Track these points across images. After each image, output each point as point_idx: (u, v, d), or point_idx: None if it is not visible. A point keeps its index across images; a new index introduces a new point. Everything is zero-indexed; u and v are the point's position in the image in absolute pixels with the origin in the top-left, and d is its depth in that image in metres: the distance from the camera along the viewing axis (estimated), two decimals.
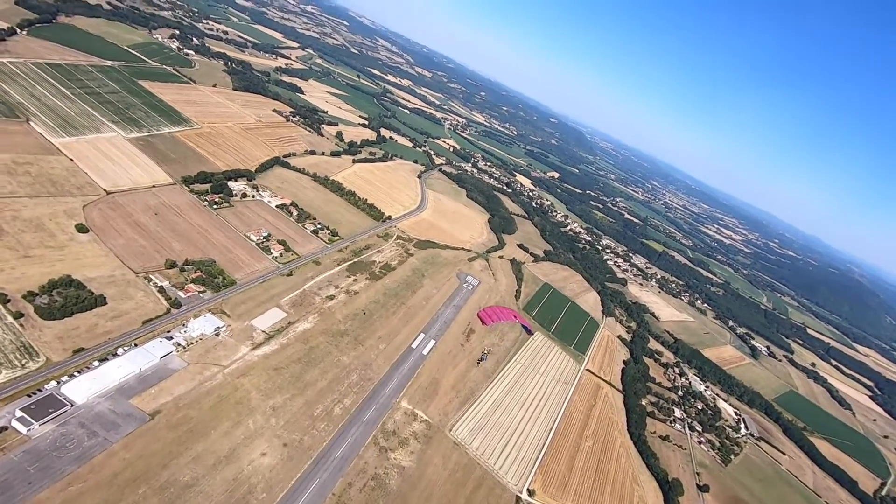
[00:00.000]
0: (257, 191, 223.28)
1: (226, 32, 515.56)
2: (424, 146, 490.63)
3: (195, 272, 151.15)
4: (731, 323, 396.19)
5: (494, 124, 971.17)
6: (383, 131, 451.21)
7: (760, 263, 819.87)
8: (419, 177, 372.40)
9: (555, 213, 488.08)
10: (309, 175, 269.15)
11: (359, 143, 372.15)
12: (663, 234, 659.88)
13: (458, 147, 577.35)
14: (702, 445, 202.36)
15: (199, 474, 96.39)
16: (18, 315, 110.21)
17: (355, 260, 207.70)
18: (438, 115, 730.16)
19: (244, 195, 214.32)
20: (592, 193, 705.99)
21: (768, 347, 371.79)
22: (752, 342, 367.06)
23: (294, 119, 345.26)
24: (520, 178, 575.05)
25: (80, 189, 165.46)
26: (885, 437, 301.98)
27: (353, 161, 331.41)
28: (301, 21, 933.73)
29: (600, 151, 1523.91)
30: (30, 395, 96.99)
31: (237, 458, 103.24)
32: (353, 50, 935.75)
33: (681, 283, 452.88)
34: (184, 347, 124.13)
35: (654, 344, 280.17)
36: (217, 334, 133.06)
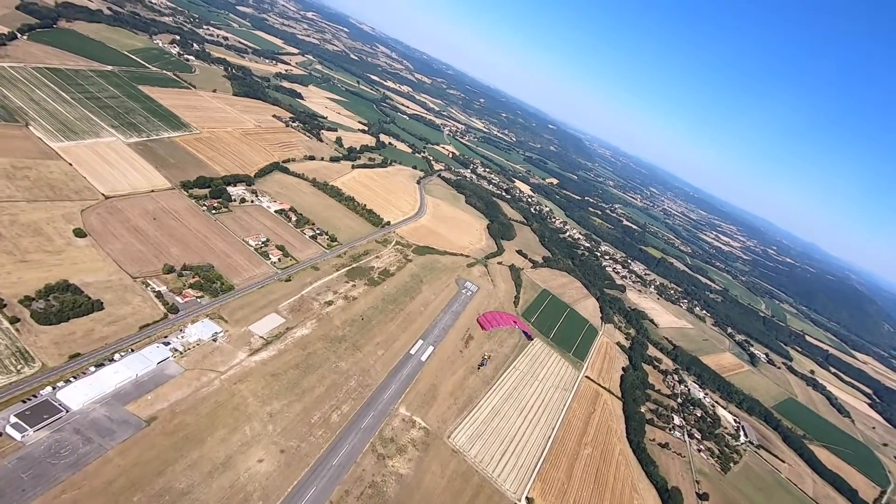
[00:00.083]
0: (256, 196, 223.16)
1: (226, 38, 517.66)
2: (424, 152, 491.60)
3: (193, 277, 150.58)
4: (729, 330, 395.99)
5: (493, 130, 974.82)
6: (383, 137, 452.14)
7: (759, 270, 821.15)
8: (418, 182, 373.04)
9: (554, 220, 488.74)
10: (308, 180, 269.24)
11: (358, 148, 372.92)
12: (662, 241, 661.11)
13: (458, 153, 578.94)
14: (701, 453, 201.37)
15: (194, 481, 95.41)
16: (14, 320, 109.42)
17: (354, 265, 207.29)
18: (438, 121, 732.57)
19: (243, 200, 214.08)
20: (591, 200, 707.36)
21: (767, 354, 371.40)
22: (751, 349, 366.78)
23: (294, 124, 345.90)
24: (519, 184, 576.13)
25: (79, 193, 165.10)
26: (885, 444, 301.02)
27: (353, 166, 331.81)
28: (301, 27, 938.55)
29: (599, 158, 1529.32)
30: (24, 401, 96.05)
31: (234, 465, 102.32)
32: (352, 56, 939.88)
33: (679, 289, 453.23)
34: (181, 353, 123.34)
35: (653, 351, 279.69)
36: (214, 340, 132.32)
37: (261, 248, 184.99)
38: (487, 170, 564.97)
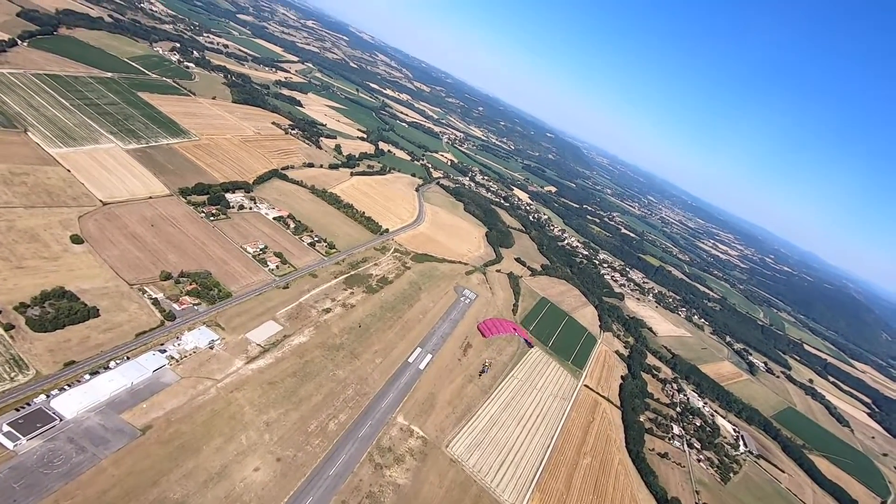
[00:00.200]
0: (255, 203, 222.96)
1: (226, 46, 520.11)
2: (422, 160, 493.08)
3: (190, 284, 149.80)
4: (728, 338, 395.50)
5: (492, 139, 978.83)
6: (382, 145, 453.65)
7: (756, 279, 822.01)
8: (417, 190, 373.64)
9: (552, 227, 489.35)
10: (307, 187, 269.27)
11: (357, 156, 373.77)
12: (660, 249, 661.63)
13: (456, 161, 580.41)
14: (701, 463, 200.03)
15: (189, 491, 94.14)
16: (9, 327, 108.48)
17: (352, 273, 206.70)
18: (436, 129, 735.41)
19: (241, 207, 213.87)
20: (589, 208, 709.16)
21: (766, 363, 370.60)
22: (750, 358, 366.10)
23: (293, 132, 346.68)
24: (517, 192, 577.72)
25: (76, 200, 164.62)
26: (885, 454, 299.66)
27: (352, 174, 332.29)
28: (301, 35, 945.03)
29: (597, 166, 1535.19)
30: (18, 409, 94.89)
31: (229, 474, 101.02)
32: (352, 64, 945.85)
33: (678, 297, 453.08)
34: (177, 361, 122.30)
35: (651, 359, 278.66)
36: (211, 347, 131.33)
37: (259, 255, 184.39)
38: (486, 177, 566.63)
